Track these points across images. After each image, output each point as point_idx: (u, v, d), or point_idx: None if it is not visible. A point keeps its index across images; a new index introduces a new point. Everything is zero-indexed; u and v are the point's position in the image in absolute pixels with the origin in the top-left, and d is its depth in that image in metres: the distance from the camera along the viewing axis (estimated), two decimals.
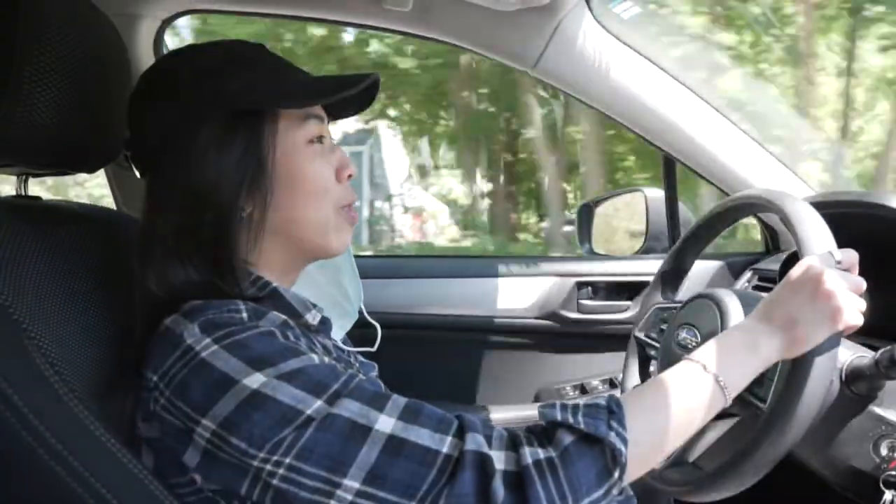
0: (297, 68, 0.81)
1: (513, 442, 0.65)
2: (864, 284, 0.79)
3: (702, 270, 1.58)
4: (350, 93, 0.76)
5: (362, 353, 0.92)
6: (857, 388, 0.86)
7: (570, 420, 0.65)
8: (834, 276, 0.76)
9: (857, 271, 0.81)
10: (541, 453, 0.63)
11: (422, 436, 0.62)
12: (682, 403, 0.72)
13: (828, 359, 0.77)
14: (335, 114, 0.86)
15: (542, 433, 0.66)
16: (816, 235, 0.83)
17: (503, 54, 1.42)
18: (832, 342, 0.77)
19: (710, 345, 0.77)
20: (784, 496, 1.21)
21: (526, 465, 0.62)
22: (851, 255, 0.81)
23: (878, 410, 0.86)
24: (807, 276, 0.78)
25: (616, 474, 0.64)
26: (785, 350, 0.77)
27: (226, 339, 0.64)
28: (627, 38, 1.36)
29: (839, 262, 0.79)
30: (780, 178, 1.48)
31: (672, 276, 1.20)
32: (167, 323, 0.69)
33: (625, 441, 0.65)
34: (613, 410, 0.67)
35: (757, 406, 0.85)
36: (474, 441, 0.62)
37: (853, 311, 0.77)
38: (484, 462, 0.61)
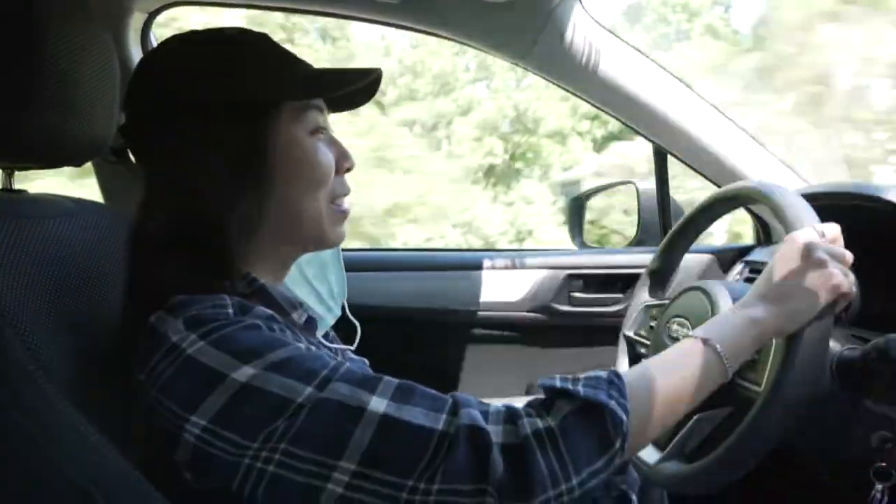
0: (299, 59, 0.79)
1: (510, 415, 0.64)
2: (850, 255, 0.81)
3: (693, 263, 1.59)
4: (355, 87, 0.76)
5: (350, 350, 0.91)
6: (848, 381, 0.87)
7: (570, 388, 0.64)
8: (819, 248, 0.78)
9: (841, 244, 0.82)
10: (539, 423, 0.62)
11: (415, 415, 0.61)
12: (683, 375, 0.72)
13: (820, 329, 0.78)
14: (334, 106, 0.85)
15: (541, 404, 0.66)
16: (799, 212, 0.85)
17: (494, 45, 1.42)
18: (825, 313, 0.78)
19: (709, 322, 0.78)
20: (775, 489, 1.22)
21: (525, 435, 0.61)
22: (834, 228, 0.83)
23: (869, 402, 0.87)
24: (794, 251, 0.79)
25: (617, 444, 0.63)
26: (781, 324, 0.78)
27: (211, 335, 0.63)
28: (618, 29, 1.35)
29: (823, 236, 0.81)
30: (773, 170, 1.48)
31: (660, 274, 1.20)
32: (152, 319, 0.68)
33: (626, 410, 0.64)
34: (613, 381, 0.66)
35: (752, 391, 0.85)
36: (469, 416, 0.62)
37: (842, 279, 0.78)
38: (479, 435, 0.60)
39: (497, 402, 0.67)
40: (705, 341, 0.74)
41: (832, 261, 0.78)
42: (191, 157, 0.72)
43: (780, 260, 0.80)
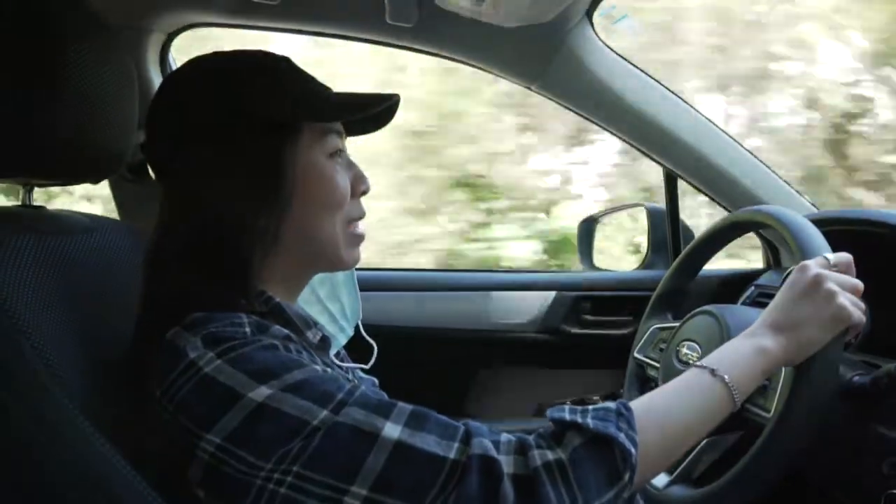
0: (319, 82, 0.81)
1: (521, 446, 0.64)
2: (861, 285, 0.81)
3: (703, 286, 1.58)
4: (375, 111, 0.77)
5: (360, 369, 0.92)
6: (859, 406, 0.86)
7: (580, 421, 0.65)
8: (831, 278, 0.79)
9: (853, 273, 0.82)
10: (549, 455, 0.63)
11: (428, 442, 0.61)
12: (691, 406, 0.72)
13: (830, 358, 0.78)
14: (350, 130, 0.86)
15: (551, 435, 0.66)
16: (810, 240, 0.85)
17: (507, 70, 1.43)
18: (835, 343, 0.78)
19: (717, 352, 0.78)
20: None
21: (535, 467, 0.61)
22: (846, 258, 0.83)
23: (880, 428, 0.86)
24: (804, 281, 0.79)
25: (626, 476, 0.63)
26: (791, 353, 0.78)
27: (229, 353, 0.64)
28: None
29: (835, 266, 0.81)
30: (782, 195, 1.48)
31: (670, 297, 1.20)
32: (169, 336, 0.68)
33: (634, 442, 0.64)
34: (623, 413, 0.67)
35: (762, 416, 0.85)
36: (480, 445, 0.62)
37: (853, 309, 0.78)
38: (491, 466, 0.61)
39: (506, 425, 0.67)
40: (713, 372, 0.74)
41: (842, 291, 0.78)
42: (210, 177, 0.73)
43: (790, 290, 0.80)
